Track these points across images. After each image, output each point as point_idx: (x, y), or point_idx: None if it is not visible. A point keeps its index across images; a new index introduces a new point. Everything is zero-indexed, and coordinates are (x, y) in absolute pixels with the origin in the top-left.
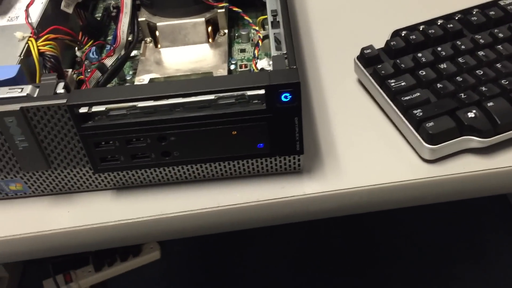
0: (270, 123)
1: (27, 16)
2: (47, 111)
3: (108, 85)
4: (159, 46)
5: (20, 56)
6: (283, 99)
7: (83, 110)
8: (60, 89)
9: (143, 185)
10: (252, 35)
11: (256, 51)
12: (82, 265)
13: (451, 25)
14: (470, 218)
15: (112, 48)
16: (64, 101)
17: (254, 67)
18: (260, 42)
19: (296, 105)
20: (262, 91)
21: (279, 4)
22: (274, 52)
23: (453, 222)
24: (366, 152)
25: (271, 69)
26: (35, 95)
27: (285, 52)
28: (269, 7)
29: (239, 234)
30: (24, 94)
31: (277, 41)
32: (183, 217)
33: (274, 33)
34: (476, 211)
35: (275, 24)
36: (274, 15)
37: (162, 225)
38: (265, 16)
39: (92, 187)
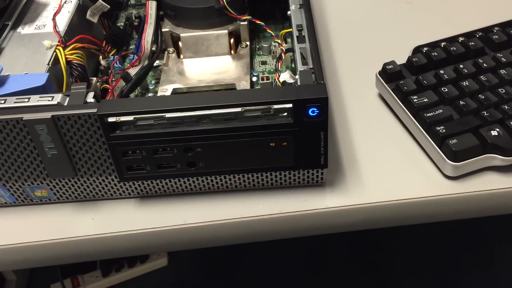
0: (296, 137)
1: (55, 25)
2: (77, 119)
3: (132, 94)
4: (181, 56)
5: (48, 64)
6: (310, 114)
7: (112, 119)
8: (90, 99)
9: (167, 194)
10: (273, 47)
11: (279, 64)
12: (90, 270)
13: (473, 43)
14: (478, 228)
15: (136, 57)
16: (95, 110)
17: (277, 80)
18: (283, 55)
19: (323, 120)
20: (289, 105)
21: (305, 19)
22: (300, 67)
23: (460, 231)
24: (388, 167)
25: (298, 83)
26: (66, 104)
27: (311, 66)
28: (294, 22)
29: (250, 243)
30: (54, 102)
31: (303, 55)
32: (206, 227)
33: (300, 48)
34: (484, 219)
35: (300, 39)
36: (300, 30)
37: (185, 234)
38: (288, 30)
39: (117, 195)
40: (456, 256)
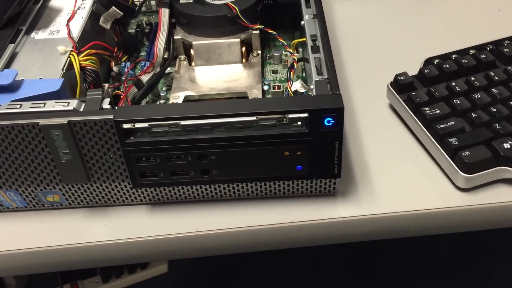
0: (310, 146)
1: (69, 31)
2: (93, 125)
3: (143, 101)
4: (193, 64)
5: (62, 69)
6: (326, 124)
7: (127, 125)
8: (106, 105)
9: (179, 201)
10: (284, 57)
11: (291, 73)
12: (90, 275)
13: (484, 56)
14: (482, 238)
15: (149, 64)
16: (111, 116)
17: (289, 89)
18: (295, 64)
19: (338, 130)
20: (304, 115)
21: (319, 29)
22: (315, 77)
23: (462, 239)
24: (400, 178)
25: (312, 93)
26: (81, 109)
27: (326, 77)
28: (308, 32)
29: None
30: (70, 108)
31: (317, 65)
32: (217, 235)
33: (314, 58)
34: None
35: (315, 49)
36: (314, 40)
37: (196, 242)
38: (300, 40)
39: (128, 201)
40: (459, 265)
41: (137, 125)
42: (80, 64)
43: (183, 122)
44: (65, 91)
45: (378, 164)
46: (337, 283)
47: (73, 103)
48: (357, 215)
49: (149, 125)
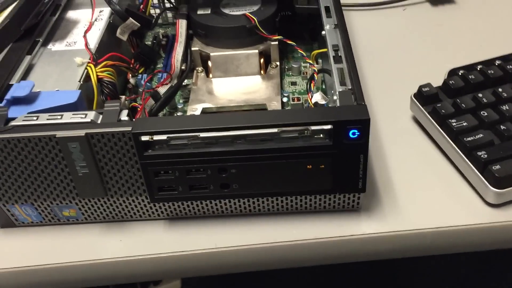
0: (334, 160)
1: (86, 42)
2: (111, 138)
3: (160, 113)
4: (210, 76)
5: (79, 81)
6: (351, 136)
7: (146, 138)
8: (124, 117)
9: (198, 216)
10: (303, 68)
11: (312, 85)
12: None
13: (511, 66)
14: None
15: (167, 76)
16: (129, 128)
17: (309, 101)
18: (315, 75)
19: (363, 142)
20: (327, 127)
21: (340, 38)
22: (339, 87)
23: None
24: (426, 193)
25: (336, 104)
26: (99, 121)
27: (350, 87)
28: (330, 42)
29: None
30: (88, 120)
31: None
32: (237, 251)
33: (337, 68)
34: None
35: (337, 59)
36: (336, 50)
37: (215, 259)
38: (320, 51)
39: (146, 216)
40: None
41: (155, 137)
42: (97, 75)
43: (202, 135)
44: (82, 103)
45: (403, 179)
46: None
47: (90, 115)
48: (382, 231)
49: (167, 137)
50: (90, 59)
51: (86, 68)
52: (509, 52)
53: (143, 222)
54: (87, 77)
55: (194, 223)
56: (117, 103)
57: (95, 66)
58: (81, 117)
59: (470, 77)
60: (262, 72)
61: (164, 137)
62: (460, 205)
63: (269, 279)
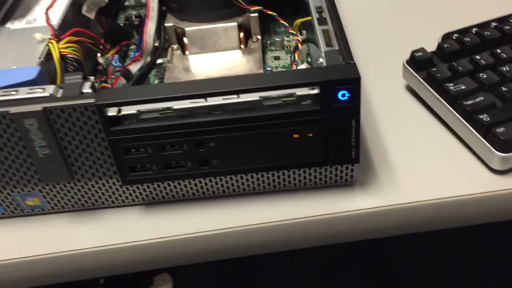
0: (323, 126)
1: (48, 18)
2: (73, 112)
3: None
4: (187, 53)
5: (40, 58)
6: (340, 98)
7: (112, 113)
8: (86, 89)
9: (176, 199)
10: (286, 42)
11: (296, 55)
12: None
13: (508, 27)
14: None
15: (138, 52)
16: (92, 100)
17: None
18: (299, 45)
19: (355, 105)
20: (314, 91)
21: (324, 0)
22: (325, 48)
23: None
24: (425, 163)
25: (325, 65)
26: (59, 95)
27: (337, 48)
28: (313, 4)
29: (258, 264)
30: (46, 94)
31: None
32: (221, 235)
33: (322, 30)
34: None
35: (321, 21)
36: (320, 12)
37: (197, 245)
38: (303, 19)
39: (119, 202)
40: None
41: (124, 112)
42: (60, 52)
43: (176, 106)
44: (43, 81)
45: (399, 150)
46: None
47: (49, 89)
48: (379, 205)
49: (137, 111)
50: (52, 35)
51: (47, 45)
52: (504, 14)
53: (117, 209)
54: (49, 55)
55: (173, 207)
56: (79, 75)
57: (58, 42)
58: (39, 92)
59: (465, 39)
60: (242, 46)
61: (133, 111)
62: (463, 173)
63: (266, 277)
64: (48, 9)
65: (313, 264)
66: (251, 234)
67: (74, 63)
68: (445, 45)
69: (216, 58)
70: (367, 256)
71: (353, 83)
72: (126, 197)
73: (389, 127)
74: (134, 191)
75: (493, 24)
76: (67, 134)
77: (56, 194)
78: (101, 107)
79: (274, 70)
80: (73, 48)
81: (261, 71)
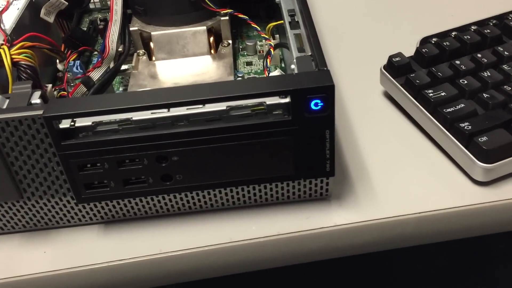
0: (296, 138)
1: (0, 22)
2: (19, 125)
3: None
4: (153, 58)
5: None
6: (313, 107)
7: (65, 125)
8: (35, 99)
9: (137, 217)
10: (259, 47)
11: (268, 60)
12: None
13: (489, 30)
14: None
15: (100, 59)
16: (40, 112)
17: None
18: (272, 50)
19: (329, 115)
20: (285, 100)
21: (297, 3)
22: (297, 54)
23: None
24: (404, 175)
25: (296, 72)
26: (4, 106)
27: (310, 53)
28: (285, 7)
29: (246, 279)
30: None
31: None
32: (186, 256)
33: (294, 34)
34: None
35: (294, 25)
36: (292, 15)
37: (161, 266)
38: (275, 23)
39: (74, 221)
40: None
41: (78, 124)
42: (12, 58)
43: (136, 117)
44: None
45: (377, 160)
46: None
47: None
48: (357, 221)
49: (93, 122)
50: (3, 41)
51: None
52: (483, 18)
53: (72, 228)
54: (0, 61)
55: (134, 226)
56: (28, 84)
57: (10, 48)
58: None
59: (444, 44)
60: (212, 51)
61: (88, 122)
62: (444, 185)
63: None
64: (1, 12)
65: (294, 281)
66: (219, 254)
67: (28, 71)
68: (423, 50)
69: (184, 64)
70: (350, 270)
71: (327, 91)
72: (83, 216)
73: (366, 137)
74: (91, 209)
75: (473, 27)
76: (13, 149)
77: (5, 213)
78: (50, 119)
79: (246, 76)
80: (27, 55)
81: (232, 77)
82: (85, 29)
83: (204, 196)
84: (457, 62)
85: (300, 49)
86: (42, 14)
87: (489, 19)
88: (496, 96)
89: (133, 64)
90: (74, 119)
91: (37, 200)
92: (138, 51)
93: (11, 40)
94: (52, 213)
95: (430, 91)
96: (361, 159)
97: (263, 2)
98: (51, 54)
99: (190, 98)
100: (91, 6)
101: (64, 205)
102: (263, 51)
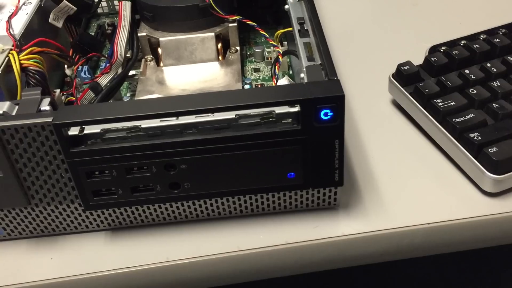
0: (304, 147)
1: (9, 26)
2: (28, 132)
3: None
4: (161, 64)
5: None
6: (323, 117)
7: (74, 132)
8: (45, 106)
9: (145, 225)
10: (267, 53)
11: (276, 67)
12: None
13: (498, 40)
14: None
15: (108, 64)
16: (50, 119)
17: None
18: (280, 57)
19: (338, 125)
20: (295, 109)
21: (306, 11)
22: (306, 63)
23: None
24: (413, 185)
25: (305, 81)
26: (14, 113)
27: (320, 62)
28: (294, 15)
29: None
30: (0, 111)
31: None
32: (193, 264)
33: (303, 43)
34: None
35: (303, 33)
36: (301, 23)
37: (167, 274)
38: (284, 30)
39: (82, 227)
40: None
41: (87, 130)
42: (21, 64)
43: (144, 125)
44: (1, 97)
45: (385, 170)
46: None
47: (3, 106)
48: (365, 231)
49: (101, 130)
50: (12, 46)
51: (7, 56)
52: (493, 26)
53: (80, 235)
54: (9, 67)
55: (141, 233)
56: (38, 90)
57: (19, 53)
58: None
59: (454, 52)
60: (220, 58)
61: (97, 129)
62: (453, 196)
63: None
64: (10, 17)
65: None
66: (226, 262)
67: (37, 76)
68: (432, 59)
69: (192, 70)
70: (357, 280)
71: (337, 101)
72: (90, 223)
73: (374, 146)
74: (98, 216)
75: (482, 36)
76: (22, 156)
77: (12, 219)
78: (59, 126)
79: (254, 83)
80: (36, 60)
81: (240, 84)
82: (93, 33)
83: (211, 204)
84: (467, 71)
85: (310, 58)
86: (51, 19)
87: (498, 28)
88: (506, 107)
89: (141, 70)
90: (83, 126)
91: (44, 207)
92: (146, 57)
93: (20, 45)
94: (59, 219)
95: (439, 100)
96: (369, 168)
97: (271, 9)
98: (59, 60)
99: (199, 107)
100: (99, 10)
101: (72, 212)
102: (271, 57)
